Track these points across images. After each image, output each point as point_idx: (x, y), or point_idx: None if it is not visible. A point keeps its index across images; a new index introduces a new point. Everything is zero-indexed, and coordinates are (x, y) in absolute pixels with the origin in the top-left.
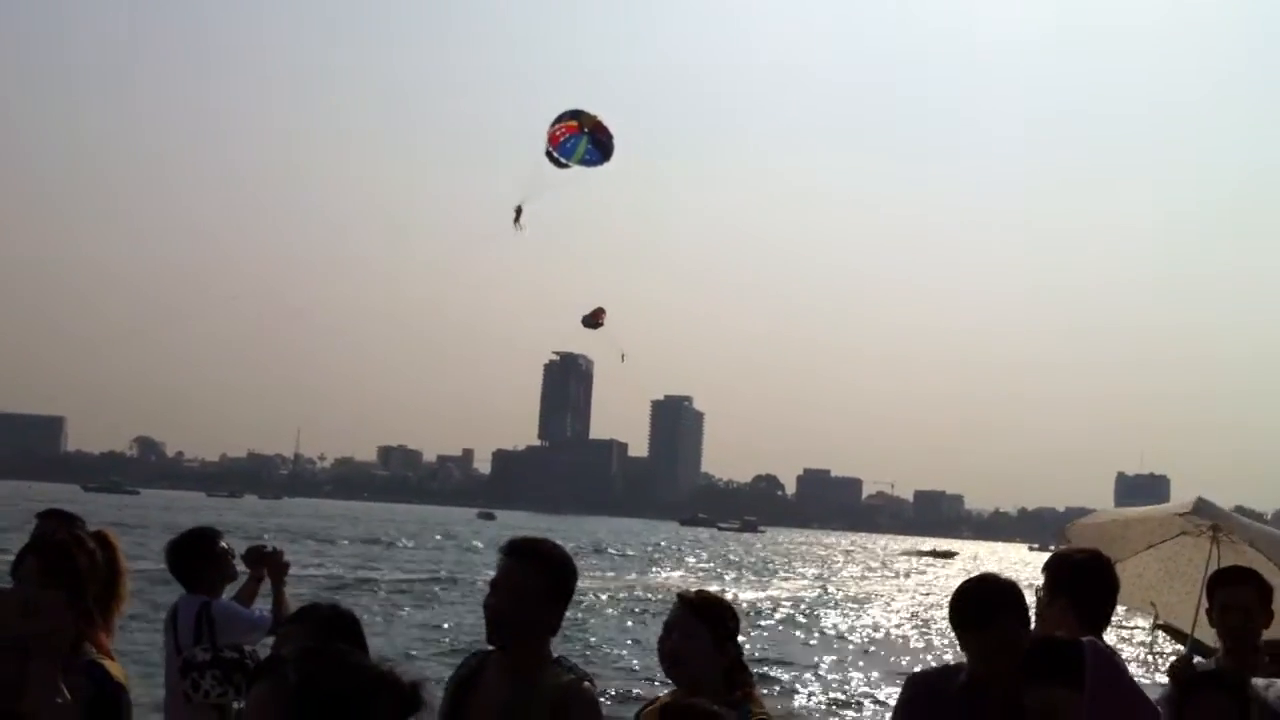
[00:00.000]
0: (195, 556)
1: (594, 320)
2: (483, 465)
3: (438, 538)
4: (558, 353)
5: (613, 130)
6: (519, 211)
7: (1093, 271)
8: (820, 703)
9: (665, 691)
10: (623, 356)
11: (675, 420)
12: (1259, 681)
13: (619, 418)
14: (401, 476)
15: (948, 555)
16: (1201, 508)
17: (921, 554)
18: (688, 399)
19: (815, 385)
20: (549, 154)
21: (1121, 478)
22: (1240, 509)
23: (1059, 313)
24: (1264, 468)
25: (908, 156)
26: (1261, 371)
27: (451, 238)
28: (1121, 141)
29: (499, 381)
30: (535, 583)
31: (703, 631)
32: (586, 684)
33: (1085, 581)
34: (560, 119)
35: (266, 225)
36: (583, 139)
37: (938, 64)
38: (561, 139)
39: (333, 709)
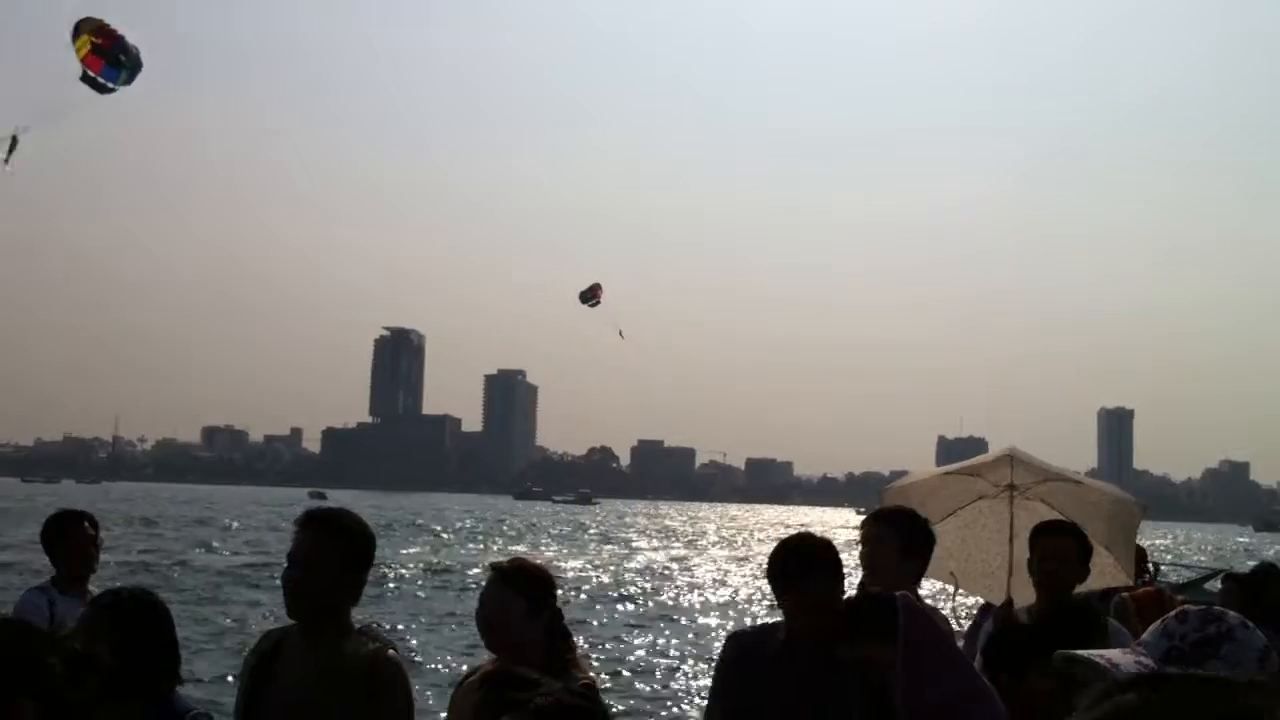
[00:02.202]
0: (46, 543)
1: (591, 295)
2: (312, 444)
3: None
4: (388, 328)
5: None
6: (13, 143)
7: (915, 245)
8: (649, 666)
9: (486, 659)
10: (621, 333)
11: (509, 394)
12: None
13: (452, 393)
14: (227, 458)
15: None
16: (1014, 453)
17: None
18: (521, 373)
19: (648, 356)
20: (92, 79)
21: (942, 441)
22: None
23: (882, 285)
24: (1074, 428)
25: (720, 128)
26: (1071, 336)
27: (271, 209)
28: (947, 122)
29: (327, 358)
30: (331, 554)
31: (517, 600)
32: (391, 652)
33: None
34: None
35: (82, 199)
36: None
37: (707, 44)
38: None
39: None
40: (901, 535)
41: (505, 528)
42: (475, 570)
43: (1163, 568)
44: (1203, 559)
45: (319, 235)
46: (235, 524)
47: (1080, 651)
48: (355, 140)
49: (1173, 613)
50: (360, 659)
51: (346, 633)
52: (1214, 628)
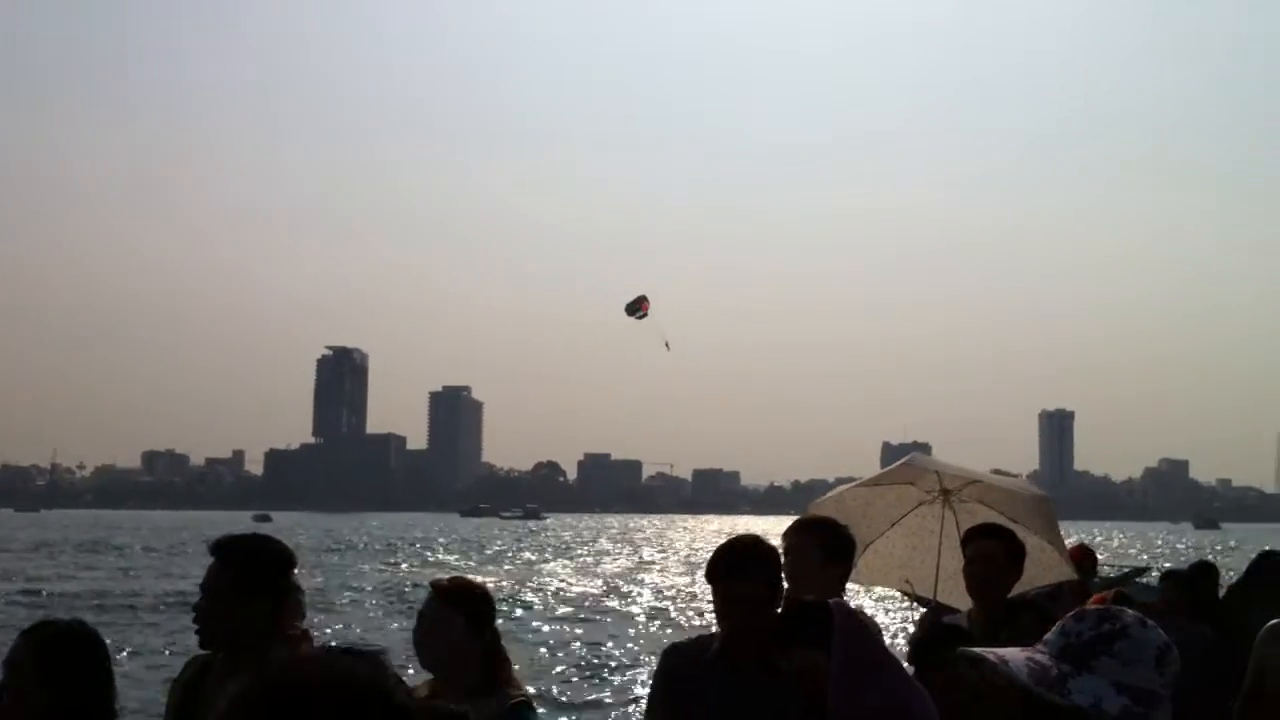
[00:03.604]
0: None
1: (637, 308)
2: (255, 466)
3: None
4: (330, 347)
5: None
6: None
7: (857, 252)
8: (591, 677)
9: (423, 680)
10: (667, 345)
11: (454, 411)
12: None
13: (396, 411)
14: (168, 482)
15: None
16: (910, 461)
17: None
18: (466, 389)
19: (593, 369)
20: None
21: (887, 447)
22: (998, 470)
23: (824, 292)
24: (1016, 430)
25: (662, 144)
26: (1012, 340)
27: (210, 226)
28: (889, 128)
29: (268, 379)
30: (239, 580)
31: (455, 619)
32: None
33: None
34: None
35: (14, 218)
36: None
37: (672, 58)
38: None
39: None
40: (822, 543)
41: (452, 545)
42: (415, 589)
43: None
44: (1146, 557)
45: (259, 253)
46: (188, 549)
47: (975, 649)
48: (298, 155)
49: (1072, 612)
50: None
51: (268, 657)
52: (1109, 625)
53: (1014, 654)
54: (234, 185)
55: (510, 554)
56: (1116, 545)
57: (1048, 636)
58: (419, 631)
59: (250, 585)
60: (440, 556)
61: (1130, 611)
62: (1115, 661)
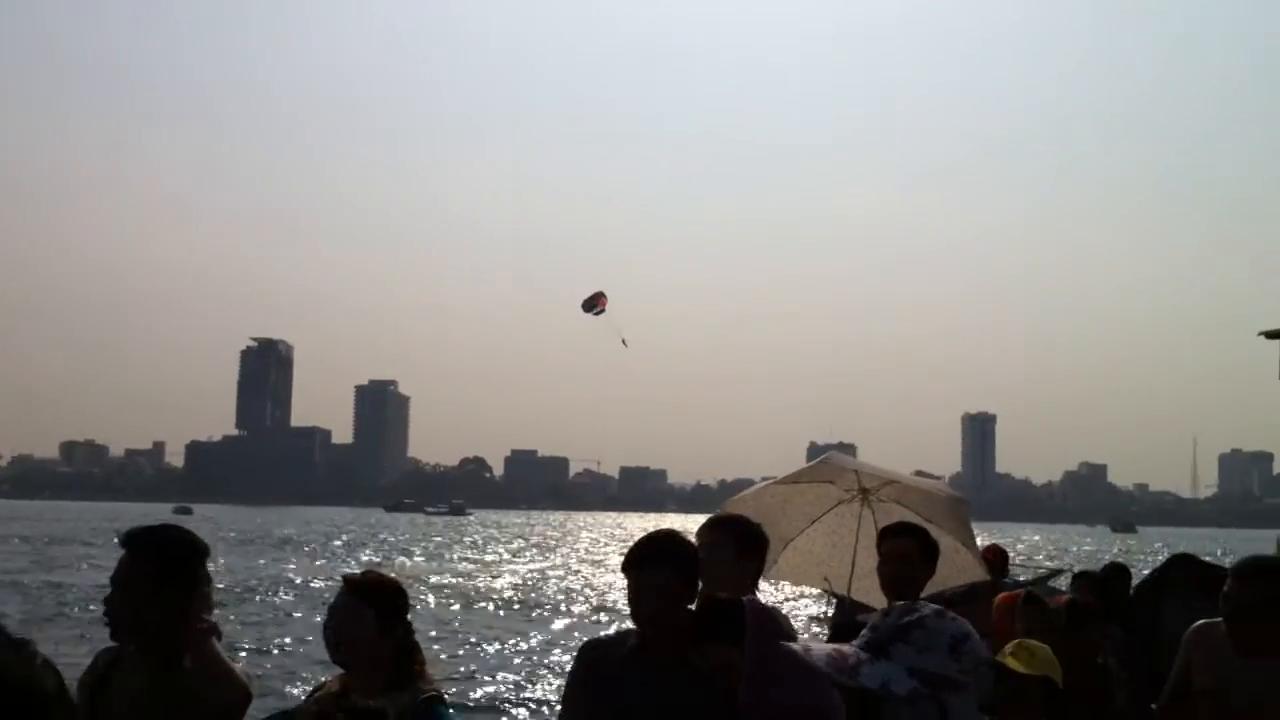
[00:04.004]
0: None
1: (593, 304)
2: (176, 458)
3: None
4: (255, 338)
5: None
6: None
7: (784, 254)
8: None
9: (333, 675)
10: (624, 341)
11: (380, 405)
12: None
13: (321, 404)
14: (87, 473)
15: None
16: (828, 460)
17: None
18: (392, 383)
19: (522, 365)
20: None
21: (813, 446)
22: (920, 472)
23: (751, 293)
24: (940, 432)
25: (599, 145)
26: (937, 344)
27: (132, 213)
28: (820, 140)
29: (191, 370)
30: (149, 573)
31: (366, 613)
32: (237, 667)
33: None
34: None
35: None
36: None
37: (598, 54)
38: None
39: None
40: (735, 540)
41: (375, 539)
42: (329, 583)
43: (1011, 568)
44: (1060, 562)
45: (183, 242)
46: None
47: (785, 643)
48: (224, 143)
49: (883, 608)
50: (201, 678)
51: (182, 651)
52: (909, 618)
53: (816, 645)
54: (162, 175)
55: (429, 549)
56: (1026, 546)
57: (863, 631)
58: (329, 626)
59: (162, 578)
60: (359, 551)
61: (931, 606)
62: (911, 649)
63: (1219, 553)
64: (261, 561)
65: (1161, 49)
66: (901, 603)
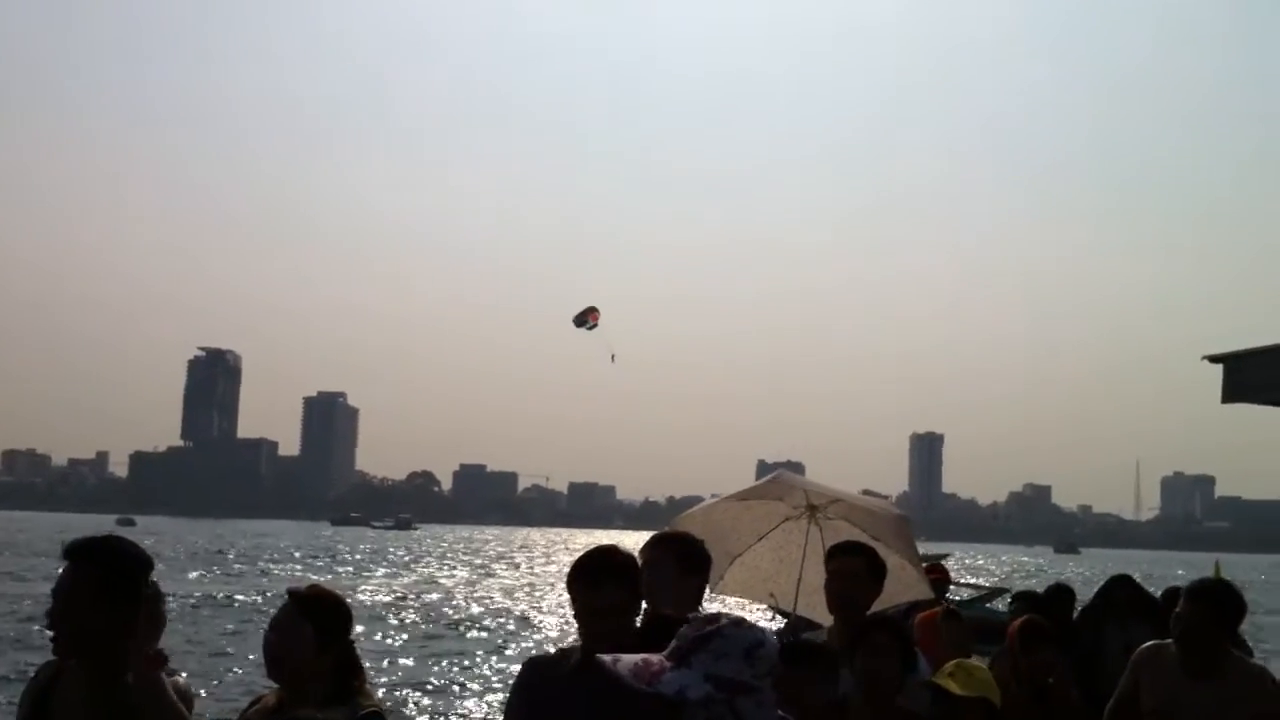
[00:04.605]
0: None
1: (584, 319)
2: (119, 469)
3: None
4: (203, 348)
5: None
6: None
7: (732, 275)
8: (453, 689)
9: (270, 689)
10: (613, 357)
11: (328, 417)
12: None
13: (269, 415)
14: (28, 483)
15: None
16: (776, 478)
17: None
18: (341, 395)
19: (472, 379)
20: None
21: (762, 464)
22: (867, 491)
23: (701, 312)
24: (888, 452)
25: (536, 152)
26: (887, 364)
27: (79, 219)
28: (772, 154)
29: (136, 379)
30: (91, 585)
31: (305, 628)
32: (177, 679)
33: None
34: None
35: None
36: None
37: (538, 66)
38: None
39: None
40: (678, 557)
41: (321, 553)
42: (271, 598)
43: (950, 586)
44: (1014, 579)
45: (132, 250)
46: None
47: (603, 656)
48: (175, 151)
49: (693, 619)
50: (140, 690)
51: (124, 664)
52: (710, 627)
53: (632, 655)
54: (108, 180)
55: (373, 564)
56: (964, 566)
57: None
58: (268, 639)
59: (105, 590)
60: (303, 566)
61: (732, 616)
62: (709, 656)
63: (1158, 575)
64: (200, 574)
65: (1112, 70)
66: (705, 613)
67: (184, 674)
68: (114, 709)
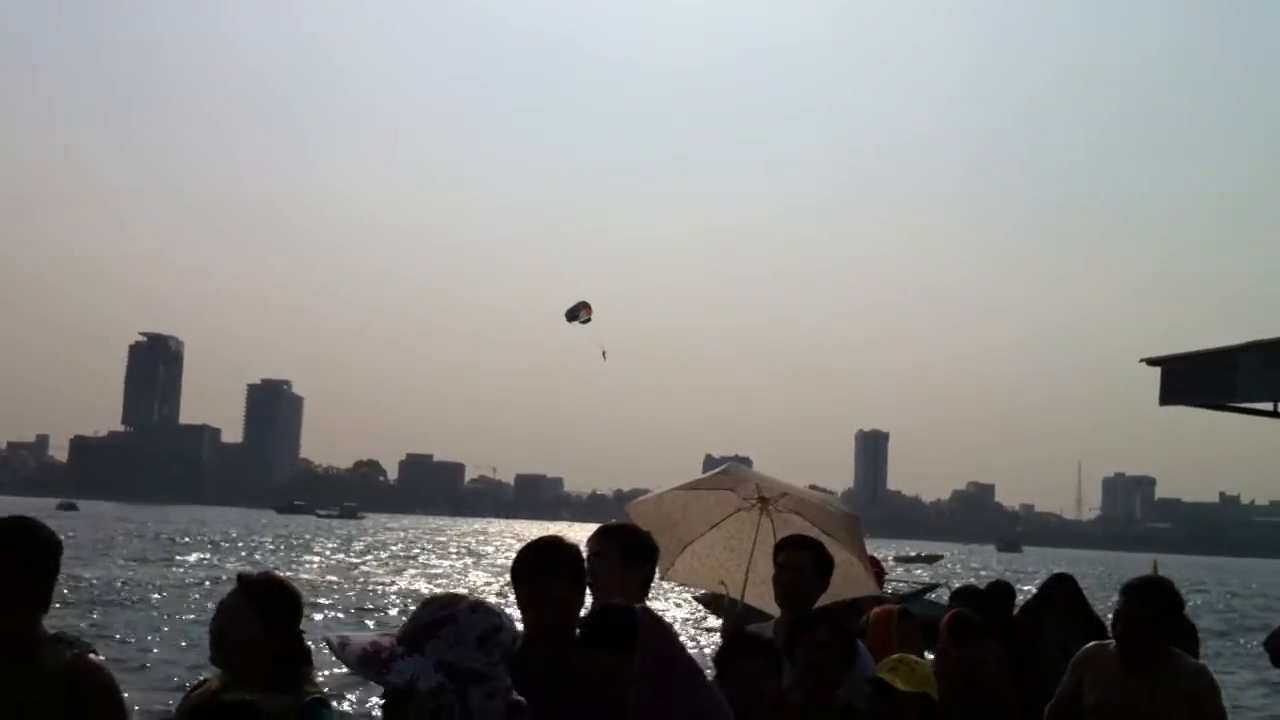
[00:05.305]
0: None
1: (576, 314)
2: (60, 453)
3: None
4: (145, 333)
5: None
6: None
7: (683, 268)
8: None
9: (214, 674)
10: (604, 354)
11: (273, 405)
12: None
13: (212, 402)
14: None
15: (932, 559)
16: (727, 470)
17: (911, 559)
18: (286, 382)
19: (419, 368)
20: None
21: (709, 459)
22: (814, 487)
23: (651, 305)
24: (834, 448)
25: (497, 145)
26: (833, 361)
27: (18, 202)
28: (722, 143)
29: (77, 363)
30: (2, 561)
31: (250, 614)
32: (93, 655)
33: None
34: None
35: None
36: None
37: (503, 54)
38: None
39: None
40: (622, 548)
41: (262, 541)
42: (212, 585)
43: (887, 582)
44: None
45: (74, 232)
46: None
47: (331, 637)
48: (122, 133)
49: (424, 602)
50: (58, 670)
51: (39, 641)
52: (444, 612)
53: (363, 638)
54: (52, 160)
55: (315, 551)
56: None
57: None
58: (215, 624)
59: (29, 567)
60: (247, 552)
61: (468, 599)
62: (442, 643)
63: (1099, 573)
64: (139, 561)
65: (1047, 72)
66: (440, 595)
67: (118, 661)
68: (33, 691)
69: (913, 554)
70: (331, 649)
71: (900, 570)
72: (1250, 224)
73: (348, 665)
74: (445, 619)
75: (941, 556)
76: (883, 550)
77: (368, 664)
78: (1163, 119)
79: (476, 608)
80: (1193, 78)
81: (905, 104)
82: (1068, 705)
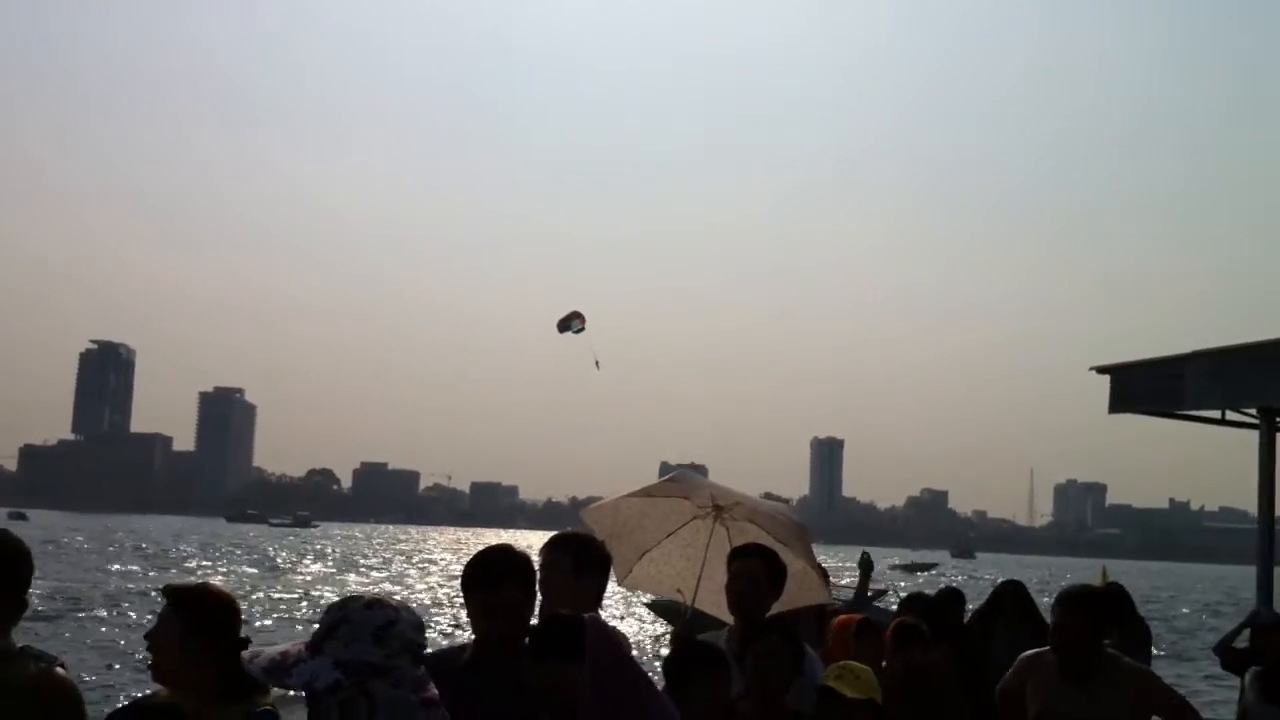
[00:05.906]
0: None
1: (569, 324)
2: (8, 462)
3: None
4: (95, 341)
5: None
6: None
7: (641, 274)
8: None
9: (159, 689)
10: (598, 364)
11: (225, 413)
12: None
13: (163, 410)
14: None
15: (929, 567)
16: (679, 478)
17: (911, 567)
18: (239, 391)
19: (373, 376)
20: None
21: (665, 466)
22: (769, 495)
23: (607, 312)
24: (789, 455)
25: (463, 147)
26: (789, 368)
27: None
28: (682, 147)
29: (25, 371)
30: None
31: (192, 628)
32: (60, 669)
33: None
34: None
35: None
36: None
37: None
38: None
39: None
40: (575, 558)
41: (212, 550)
42: (153, 596)
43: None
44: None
45: (23, 237)
46: None
47: (245, 651)
48: (77, 125)
49: (330, 606)
50: (24, 683)
51: (6, 657)
52: (339, 614)
53: (273, 649)
54: (6, 156)
55: (263, 562)
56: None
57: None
58: (152, 640)
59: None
60: (194, 561)
61: (362, 598)
62: (338, 643)
63: (1048, 579)
64: (84, 571)
65: (1004, 78)
66: (343, 597)
67: (84, 675)
68: (3, 701)
69: (910, 562)
70: (241, 662)
71: (898, 577)
72: (1204, 226)
73: (255, 676)
74: (340, 620)
75: (936, 564)
76: (830, 561)
77: (272, 672)
78: (1117, 120)
79: (372, 604)
80: (1142, 78)
81: (857, 107)
82: (1010, 701)
